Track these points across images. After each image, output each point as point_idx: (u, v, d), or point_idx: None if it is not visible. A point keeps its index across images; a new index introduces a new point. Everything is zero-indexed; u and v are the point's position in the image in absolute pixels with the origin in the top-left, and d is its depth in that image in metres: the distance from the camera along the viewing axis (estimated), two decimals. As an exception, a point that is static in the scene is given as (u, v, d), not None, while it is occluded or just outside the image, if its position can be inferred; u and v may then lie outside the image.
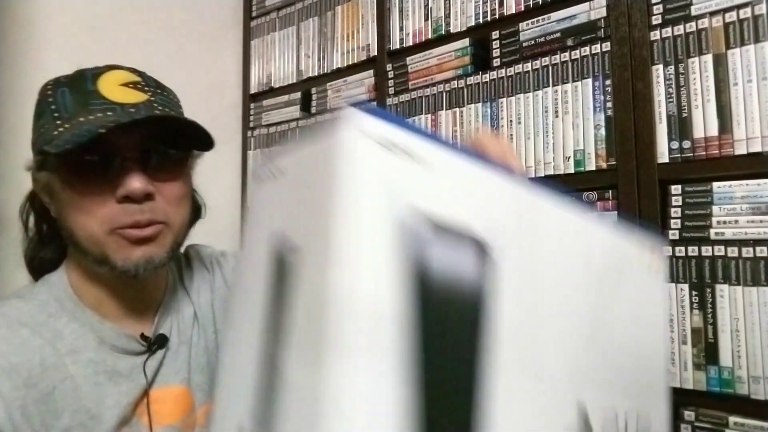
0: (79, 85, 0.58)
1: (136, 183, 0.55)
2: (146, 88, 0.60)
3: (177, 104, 0.64)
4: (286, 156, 0.37)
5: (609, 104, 1.02)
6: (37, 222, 0.68)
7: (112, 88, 0.58)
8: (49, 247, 0.68)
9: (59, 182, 0.58)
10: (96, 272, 0.61)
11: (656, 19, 0.97)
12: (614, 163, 1.00)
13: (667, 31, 0.96)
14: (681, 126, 0.94)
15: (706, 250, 0.90)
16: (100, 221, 0.56)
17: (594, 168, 1.03)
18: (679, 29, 0.94)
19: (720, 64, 0.91)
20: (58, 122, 0.56)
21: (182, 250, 0.80)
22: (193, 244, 0.83)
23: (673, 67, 0.95)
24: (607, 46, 1.02)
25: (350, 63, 1.46)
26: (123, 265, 0.57)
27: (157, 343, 0.64)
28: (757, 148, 0.87)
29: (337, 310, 0.28)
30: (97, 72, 0.60)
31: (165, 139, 0.59)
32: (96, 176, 0.56)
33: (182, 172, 0.63)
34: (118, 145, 0.56)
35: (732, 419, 0.86)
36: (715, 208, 0.90)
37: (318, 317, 0.29)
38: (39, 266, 0.68)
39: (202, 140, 0.61)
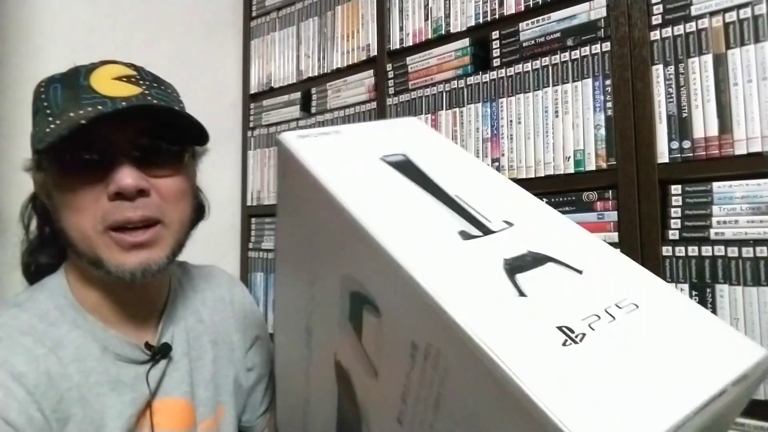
0: (72, 81, 0.56)
1: (127, 178, 0.53)
2: (141, 82, 0.57)
3: (175, 99, 0.61)
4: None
5: (609, 104, 1.02)
6: (39, 224, 0.67)
7: (104, 81, 0.56)
8: (47, 251, 0.66)
9: (53, 181, 0.56)
10: (94, 275, 0.59)
11: (656, 19, 0.97)
12: (614, 163, 1.00)
13: (667, 31, 0.96)
14: (681, 126, 0.94)
15: (706, 250, 0.90)
16: (92, 219, 0.54)
17: (594, 168, 1.03)
18: (679, 29, 0.94)
19: (720, 64, 0.91)
20: (50, 119, 0.54)
21: (202, 269, 0.80)
22: (216, 266, 0.84)
23: (673, 67, 0.95)
24: (607, 46, 1.02)
25: (350, 63, 1.46)
26: (117, 272, 0.55)
27: (160, 353, 0.62)
28: (757, 148, 0.87)
29: None
30: (92, 67, 0.58)
31: (160, 134, 0.57)
32: (88, 173, 0.54)
33: (179, 168, 0.60)
34: (110, 141, 0.54)
35: (732, 419, 0.86)
36: (715, 208, 0.90)
37: None
38: (36, 271, 0.66)
39: (197, 134, 0.59)
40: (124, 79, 0.57)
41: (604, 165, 1.02)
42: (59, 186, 0.55)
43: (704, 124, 0.92)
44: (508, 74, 1.15)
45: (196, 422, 0.66)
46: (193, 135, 0.59)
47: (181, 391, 0.65)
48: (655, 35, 0.97)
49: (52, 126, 0.53)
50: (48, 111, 0.55)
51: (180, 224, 0.60)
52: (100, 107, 0.53)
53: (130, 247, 0.55)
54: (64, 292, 0.60)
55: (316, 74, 1.55)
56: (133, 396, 0.59)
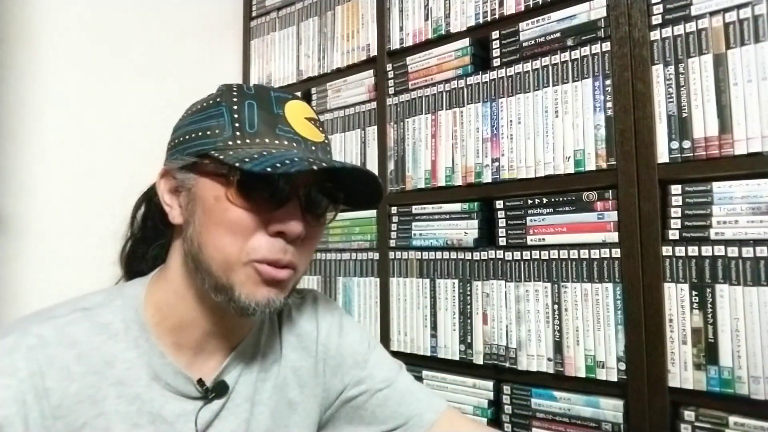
0: (266, 104, 0.56)
1: (298, 227, 0.54)
2: (320, 128, 0.60)
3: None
4: None
5: (609, 104, 1.02)
6: (144, 217, 0.67)
7: (297, 119, 0.57)
8: (149, 246, 0.66)
9: (214, 192, 0.54)
10: (197, 293, 0.57)
11: (656, 19, 0.97)
12: (614, 163, 1.00)
13: (667, 31, 0.96)
14: (681, 126, 0.94)
15: (706, 250, 0.90)
16: (242, 249, 0.53)
17: (594, 168, 1.03)
18: (679, 29, 0.94)
19: (720, 64, 0.91)
20: (237, 133, 0.54)
21: (296, 296, 0.74)
22: (317, 291, 0.77)
23: (673, 67, 0.95)
24: (607, 46, 1.02)
25: (350, 63, 1.46)
26: (245, 301, 0.54)
27: (215, 392, 0.59)
28: (757, 148, 0.87)
29: None
30: (281, 97, 0.58)
31: (327, 188, 0.59)
32: (260, 203, 0.54)
33: (325, 222, 0.61)
34: (289, 180, 0.54)
35: (732, 419, 0.86)
36: (715, 208, 0.90)
37: None
38: (132, 262, 0.66)
39: (370, 197, 0.60)
40: (311, 122, 0.59)
41: (604, 165, 1.02)
42: (223, 203, 0.54)
43: (704, 124, 0.92)
44: (508, 74, 1.15)
45: None
46: (363, 196, 0.61)
47: None
48: (655, 35, 0.97)
49: (239, 142, 0.54)
50: (237, 124, 0.54)
51: (303, 271, 0.60)
52: (295, 145, 0.55)
53: (268, 282, 0.55)
54: (136, 306, 0.58)
55: (316, 74, 1.55)
56: None
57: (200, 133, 0.56)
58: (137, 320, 0.57)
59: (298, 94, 1.58)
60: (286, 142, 0.54)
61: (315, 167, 0.50)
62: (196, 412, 0.57)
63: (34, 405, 0.50)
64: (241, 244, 0.53)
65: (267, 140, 0.54)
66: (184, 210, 0.57)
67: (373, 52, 1.40)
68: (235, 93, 0.57)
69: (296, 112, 0.57)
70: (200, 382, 0.58)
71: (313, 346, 0.69)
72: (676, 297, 0.92)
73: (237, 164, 0.51)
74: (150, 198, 0.65)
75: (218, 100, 0.57)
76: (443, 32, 1.27)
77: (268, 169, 0.49)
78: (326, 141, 0.60)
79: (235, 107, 0.55)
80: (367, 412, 0.70)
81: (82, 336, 0.54)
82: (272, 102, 0.57)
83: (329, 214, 0.62)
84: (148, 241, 0.67)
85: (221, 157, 0.53)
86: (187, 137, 0.57)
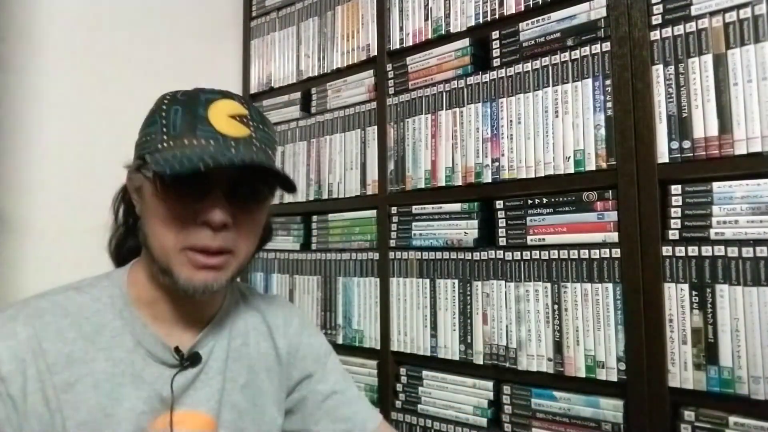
0: (192, 107, 0.62)
1: (218, 215, 0.60)
2: (250, 123, 0.63)
3: (274, 141, 0.68)
4: None
5: (609, 104, 1.02)
6: (125, 215, 0.74)
7: (220, 117, 0.61)
8: (134, 238, 0.72)
9: (150, 190, 0.62)
10: (158, 275, 0.64)
11: (656, 19, 0.97)
12: (614, 163, 1.00)
13: (667, 31, 0.96)
14: (681, 126, 0.94)
15: (706, 250, 0.90)
16: (175, 238, 0.61)
17: (594, 168, 1.03)
18: (679, 29, 0.94)
19: (720, 64, 0.91)
20: (165, 137, 0.61)
21: (266, 295, 0.83)
22: (278, 294, 0.83)
23: (673, 67, 0.95)
24: (607, 46, 1.02)
25: (350, 63, 1.46)
26: (184, 285, 0.61)
27: (189, 360, 0.66)
28: (757, 148, 0.87)
29: None
30: (211, 98, 0.63)
31: (255, 176, 0.63)
32: (184, 197, 0.60)
33: (261, 208, 0.67)
34: (212, 175, 0.60)
35: (732, 419, 0.86)
36: (715, 208, 0.90)
37: None
38: (125, 254, 0.73)
39: (288, 185, 0.65)
40: (237, 118, 0.63)
41: (604, 165, 1.02)
42: (155, 197, 0.61)
43: (704, 124, 0.92)
44: (508, 74, 1.15)
45: None
46: (284, 182, 0.65)
47: (208, 407, 0.67)
48: (655, 35, 0.97)
49: (165, 144, 0.60)
50: (164, 129, 0.61)
51: (246, 255, 0.67)
52: (212, 143, 0.60)
53: (201, 267, 0.61)
54: (120, 284, 0.67)
55: (316, 74, 1.55)
56: (150, 394, 0.63)
57: (143, 139, 0.64)
58: (122, 296, 0.66)
59: (298, 94, 1.59)
60: (203, 141, 0.59)
61: (202, 167, 0.56)
62: (172, 376, 0.64)
63: (32, 363, 0.58)
64: (175, 234, 0.61)
65: (186, 141, 0.59)
66: (139, 205, 0.66)
67: (373, 52, 1.40)
68: (167, 100, 0.64)
69: (220, 111, 0.62)
70: (177, 349, 0.66)
71: (282, 338, 0.78)
72: (676, 297, 0.92)
73: (153, 166, 0.58)
74: (125, 197, 0.73)
75: (155, 108, 0.64)
76: (443, 32, 1.27)
77: (168, 171, 0.56)
78: (252, 135, 0.63)
79: (164, 113, 0.62)
80: (320, 411, 0.78)
81: (75, 308, 0.63)
82: (199, 104, 0.62)
83: (264, 198, 0.67)
84: (134, 234, 0.73)
85: (149, 160, 0.60)
86: (138, 142, 0.65)
